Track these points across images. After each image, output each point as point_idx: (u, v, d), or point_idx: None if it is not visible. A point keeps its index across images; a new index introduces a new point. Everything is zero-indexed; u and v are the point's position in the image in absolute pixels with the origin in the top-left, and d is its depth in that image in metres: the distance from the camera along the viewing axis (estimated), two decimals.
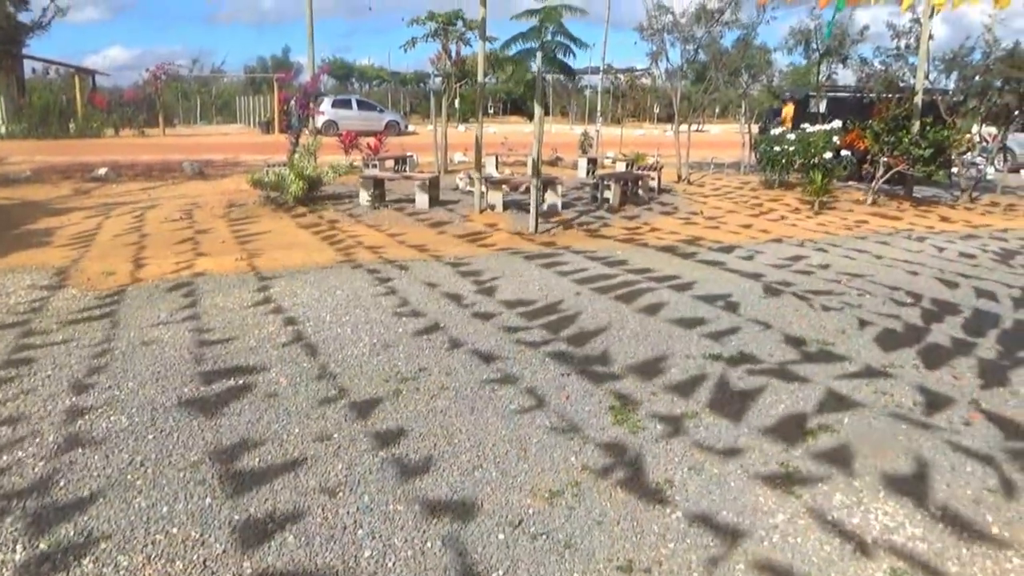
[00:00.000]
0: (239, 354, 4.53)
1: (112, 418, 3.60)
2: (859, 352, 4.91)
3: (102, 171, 13.81)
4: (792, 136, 13.74)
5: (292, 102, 13.48)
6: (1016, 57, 13.59)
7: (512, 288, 6.34)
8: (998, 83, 13.88)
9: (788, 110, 18.35)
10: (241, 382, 4.09)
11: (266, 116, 33.55)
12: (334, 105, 31.01)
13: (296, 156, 11.17)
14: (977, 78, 14.12)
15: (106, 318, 5.22)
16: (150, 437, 3.42)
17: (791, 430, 3.68)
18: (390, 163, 14.26)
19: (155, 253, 7.44)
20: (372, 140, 14.93)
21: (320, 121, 27.70)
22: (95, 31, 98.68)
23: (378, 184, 10.92)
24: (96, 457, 3.22)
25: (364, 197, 10.63)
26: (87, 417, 3.60)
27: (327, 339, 4.86)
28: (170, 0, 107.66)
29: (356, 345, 4.75)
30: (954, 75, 14.79)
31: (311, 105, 13.42)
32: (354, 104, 32.02)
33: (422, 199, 10.50)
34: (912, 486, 3.17)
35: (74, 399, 3.81)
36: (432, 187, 10.73)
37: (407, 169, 14.28)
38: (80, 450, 3.28)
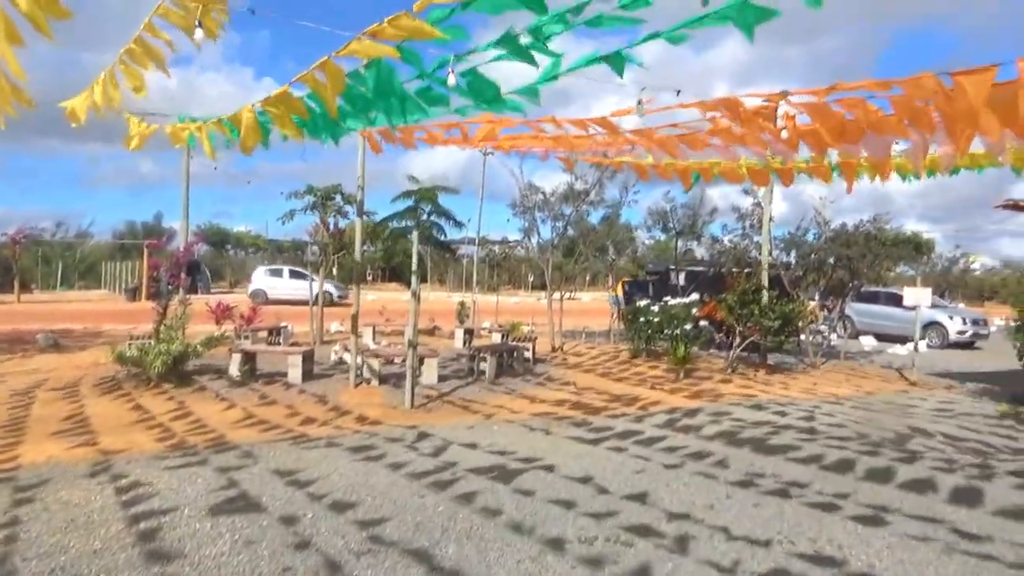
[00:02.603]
0: (81, 559, 4.12)
1: None
2: (729, 525, 5.04)
3: None
4: (656, 308, 14.62)
5: (162, 270, 13.18)
6: (844, 236, 15.30)
7: (387, 473, 6.18)
8: (831, 259, 15.48)
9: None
10: None
11: (133, 282, 32.52)
12: (265, 274, 31.50)
13: (163, 327, 10.75)
14: (813, 256, 15.68)
15: None
16: None
17: None
18: (264, 334, 13.99)
19: None
20: (245, 310, 14.66)
21: (249, 289, 27.90)
22: None
23: (249, 358, 10.64)
24: None
25: (234, 371, 10.29)
26: None
27: (184, 536, 4.51)
28: (40, 163, 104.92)
29: (216, 543, 4.43)
30: (793, 252, 16.37)
31: (182, 274, 13.15)
32: (285, 273, 31.87)
33: (295, 374, 10.25)
34: None
35: None
36: (306, 360, 10.53)
37: (281, 341, 14.02)
38: None
